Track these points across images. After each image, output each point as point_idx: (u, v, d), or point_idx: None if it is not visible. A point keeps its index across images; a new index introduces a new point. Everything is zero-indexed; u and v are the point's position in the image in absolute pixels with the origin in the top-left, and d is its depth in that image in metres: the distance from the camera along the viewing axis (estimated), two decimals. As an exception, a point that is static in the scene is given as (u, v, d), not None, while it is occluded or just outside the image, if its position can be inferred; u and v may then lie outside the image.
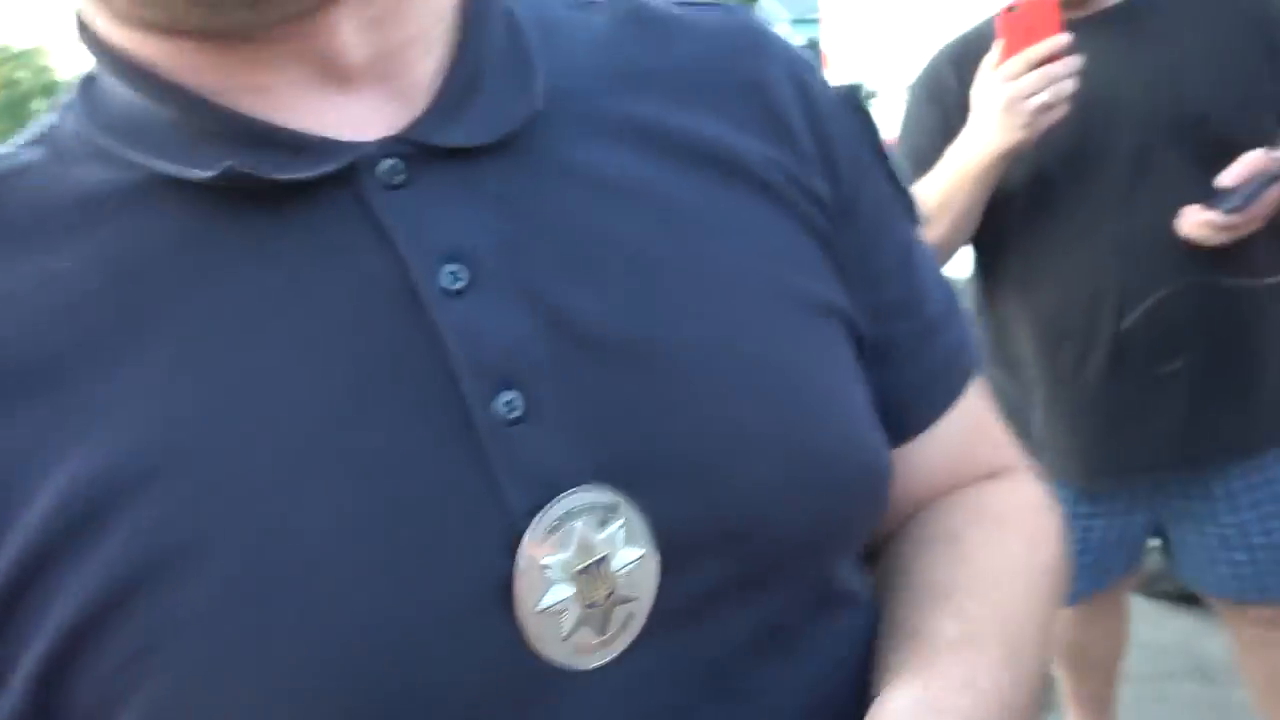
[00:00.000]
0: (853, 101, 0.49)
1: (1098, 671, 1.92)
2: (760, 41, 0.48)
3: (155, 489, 0.33)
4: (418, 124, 0.39)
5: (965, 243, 1.45)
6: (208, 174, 0.36)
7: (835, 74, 3.24)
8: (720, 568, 0.39)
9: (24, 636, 0.33)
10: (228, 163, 0.35)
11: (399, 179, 0.37)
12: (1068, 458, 1.54)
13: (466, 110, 0.39)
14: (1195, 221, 1.29)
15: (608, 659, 0.37)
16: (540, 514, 0.35)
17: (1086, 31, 1.34)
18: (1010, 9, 1.24)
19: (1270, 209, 1.29)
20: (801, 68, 0.48)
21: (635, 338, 0.38)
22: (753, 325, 0.41)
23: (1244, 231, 1.30)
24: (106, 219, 0.37)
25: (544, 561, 0.35)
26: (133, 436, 0.34)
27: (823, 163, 0.46)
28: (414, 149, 0.38)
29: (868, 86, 3.09)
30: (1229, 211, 1.26)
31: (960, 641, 0.41)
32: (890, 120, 2.89)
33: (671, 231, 0.41)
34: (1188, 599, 2.38)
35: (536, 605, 0.35)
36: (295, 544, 0.33)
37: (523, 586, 0.35)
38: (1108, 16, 1.37)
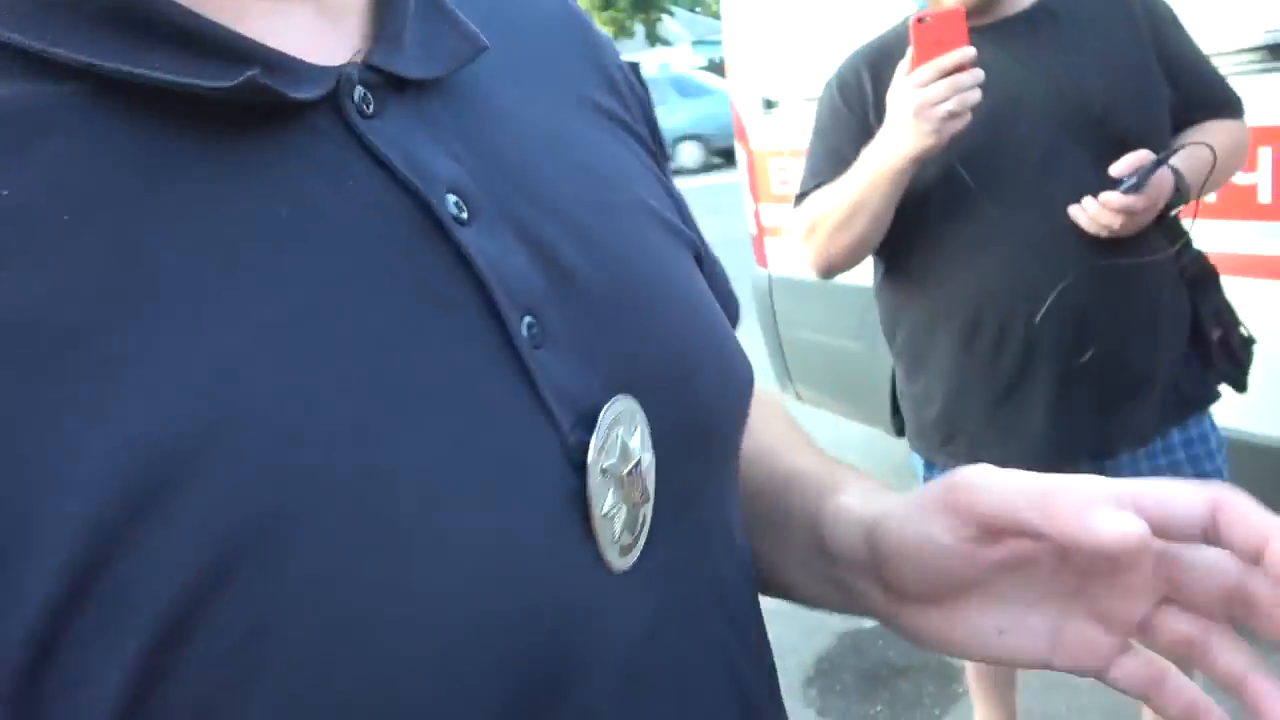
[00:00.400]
0: (638, 72, 0.54)
1: None
2: (586, 18, 0.54)
3: (227, 449, 0.30)
4: (374, 52, 0.37)
5: (879, 240, 1.49)
6: (225, 84, 0.31)
7: (737, 89, 3.29)
8: (691, 467, 0.43)
9: (107, 631, 0.28)
10: (249, 72, 0.32)
11: (370, 108, 0.36)
12: (981, 447, 1.59)
13: (407, 43, 0.38)
14: (1098, 202, 1.37)
15: (634, 560, 0.39)
16: (597, 425, 0.37)
17: (991, 37, 1.42)
18: (920, 20, 1.30)
19: (1161, 198, 1.39)
20: (613, 47, 0.54)
21: (601, 272, 0.41)
22: (666, 257, 0.46)
23: (1142, 220, 1.38)
24: (42, 138, 0.30)
25: (603, 467, 0.37)
26: (182, 392, 0.30)
27: (644, 119, 0.52)
28: (378, 77, 0.36)
29: (770, 98, 3.14)
30: (1127, 191, 1.34)
31: (827, 462, 0.54)
32: (789, 130, 2.95)
33: (593, 174, 0.44)
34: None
35: (601, 512, 0.37)
36: (394, 486, 0.32)
37: (593, 495, 0.37)
38: (1010, 24, 1.45)
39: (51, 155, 0.30)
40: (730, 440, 0.47)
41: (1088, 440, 1.55)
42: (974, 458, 1.65)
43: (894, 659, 2.56)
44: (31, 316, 0.29)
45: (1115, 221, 1.37)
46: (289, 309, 0.32)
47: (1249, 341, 1.61)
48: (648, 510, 0.40)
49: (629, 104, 0.51)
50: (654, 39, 20.25)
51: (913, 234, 1.49)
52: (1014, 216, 1.44)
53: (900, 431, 3.01)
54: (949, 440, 1.63)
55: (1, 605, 0.27)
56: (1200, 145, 1.42)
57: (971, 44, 1.29)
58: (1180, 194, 1.42)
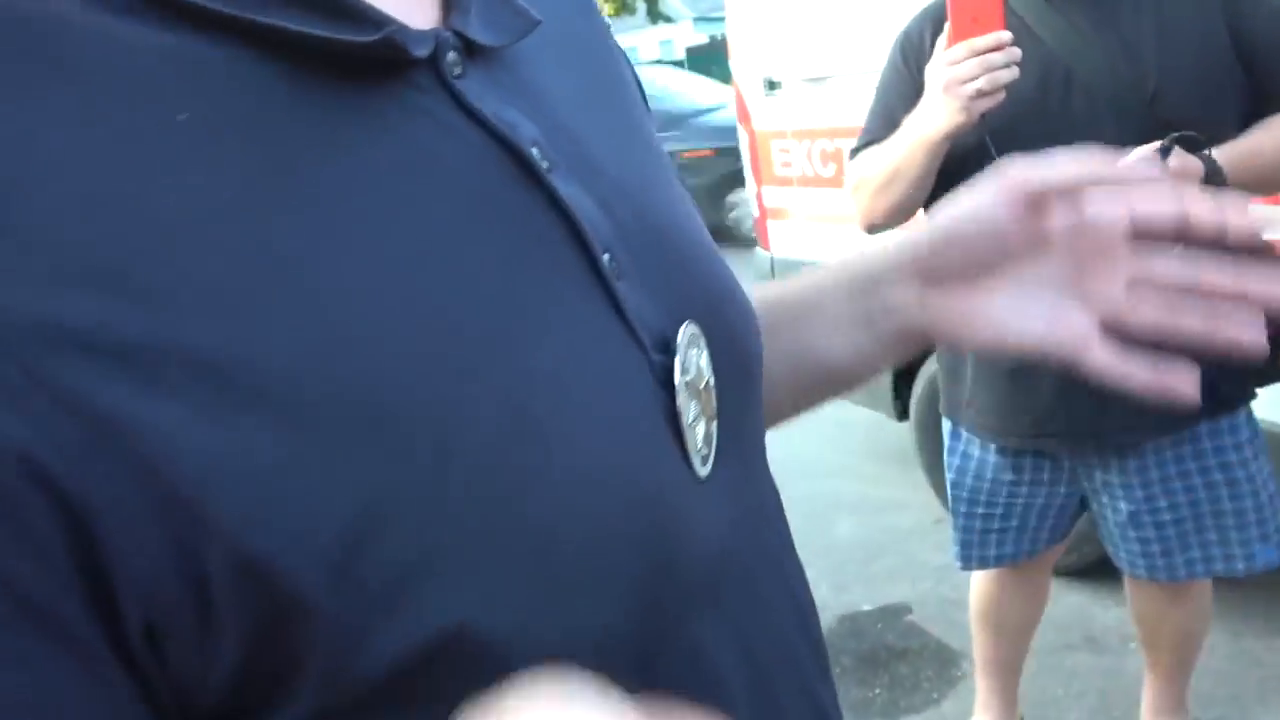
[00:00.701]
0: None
1: (1013, 638, 1.98)
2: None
3: (395, 344, 0.34)
4: (453, 19, 0.41)
5: (920, 204, 1.52)
6: (367, 39, 0.36)
7: (740, 70, 3.27)
8: (741, 390, 0.48)
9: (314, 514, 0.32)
10: (389, 29, 0.36)
11: (458, 70, 0.40)
12: (988, 414, 1.61)
13: (473, 14, 0.42)
14: None
15: (709, 470, 0.44)
16: (678, 345, 0.43)
17: (1057, 4, 1.40)
18: None
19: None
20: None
21: (644, 221, 0.45)
22: (687, 207, 0.52)
23: None
24: (206, 78, 0.34)
25: (685, 381, 0.43)
26: (350, 295, 0.34)
27: (638, 86, 0.57)
28: (459, 42, 0.40)
29: (773, 79, 3.12)
30: None
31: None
32: (792, 111, 2.94)
33: (624, 136, 0.50)
34: (1081, 573, 2.48)
35: (687, 421, 0.42)
36: (532, 385, 0.37)
37: (680, 406, 0.42)
38: None
39: (215, 91, 0.34)
40: (760, 365, 0.52)
41: (1096, 425, 1.55)
42: (992, 425, 1.67)
43: (893, 642, 2.57)
44: (218, 212, 0.32)
45: None
46: (426, 235, 0.36)
47: None
48: (715, 427, 0.45)
49: (630, 74, 0.56)
50: (656, 15, 20.15)
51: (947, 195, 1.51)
52: None
53: (901, 415, 3.01)
54: (970, 404, 1.66)
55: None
56: (1259, 137, 1.35)
57: (1037, 8, 1.27)
58: (1212, 182, 1.36)
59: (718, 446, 0.45)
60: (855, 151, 1.61)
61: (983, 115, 1.34)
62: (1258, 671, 2.22)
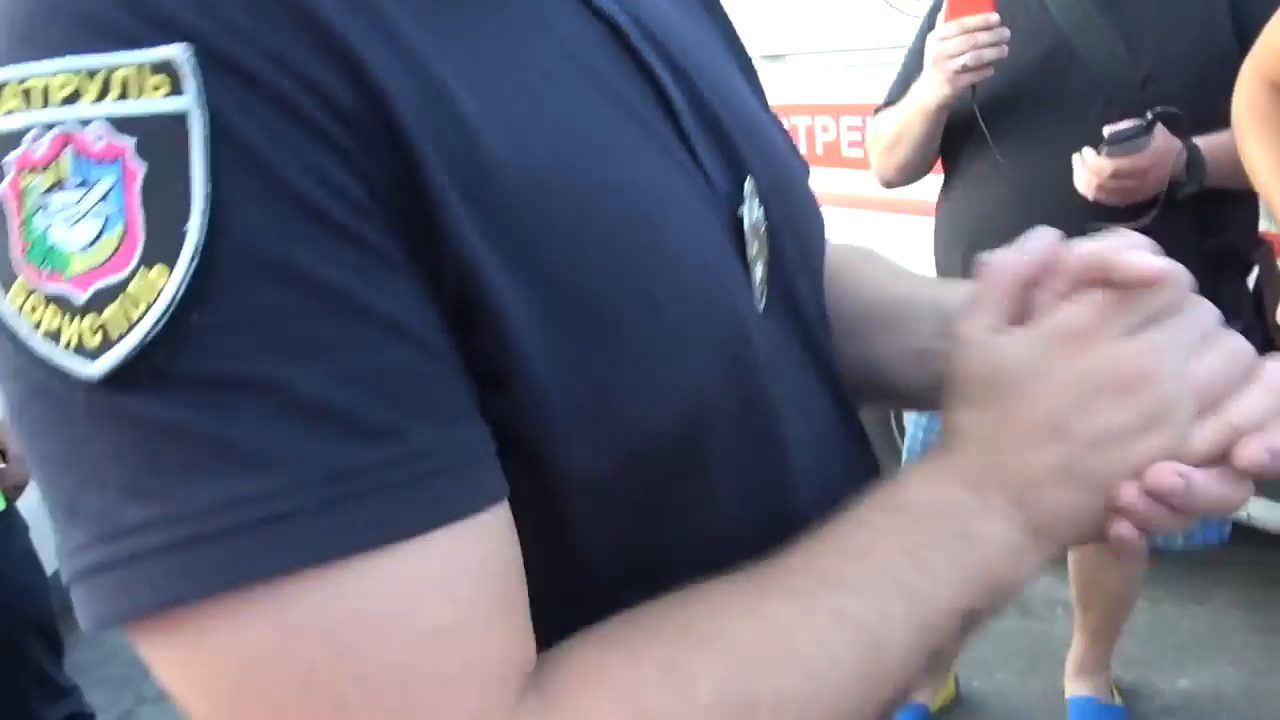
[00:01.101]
0: None
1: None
2: None
3: (548, 164, 0.40)
4: None
5: (927, 167, 1.63)
6: None
7: (745, 39, 3.27)
8: (791, 254, 0.54)
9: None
10: None
11: None
12: None
13: None
14: (1082, 164, 1.41)
15: (764, 304, 0.51)
16: (745, 190, 0.50)
17: None
18: None
19: (1155, 171, 1.38)
20: None
21: (718, 97, 0.52)
22: (760, 103, 0.60)
23: (1130, 189, 1.39)
24: None
25: (751, 220, 0.50)
26: (518, 133, 0.39)
27: None
28: None
29: (775, 52, 3.13)
30: (1110, 154, 1.36)
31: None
32: (795, 85, 2.95)
33: (692, 26, 0.57)
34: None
35: (751, 254, 0.49)
36: (640, 191, 0.44)
37: (747, 238, 0.49)
38: None
39: None
40: (820, 250, 0.59)
41: None
42: None
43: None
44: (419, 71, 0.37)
45: (1082, 182, 1.41)
46: (567, 84, 0.43)
47: None
48: (764, 269, 0.51)
49: None
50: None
51: (951, 158, 1.61)
52: (1017, 165, 1.49)
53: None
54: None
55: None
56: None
57: None
58: (1193, 174, 1.41)
59: (768, 294, 0.51)
60: (877, 111, 1.71)
61: (973, 89, 1.40)
62: (1174, 636, 2.35)
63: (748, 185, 0.50)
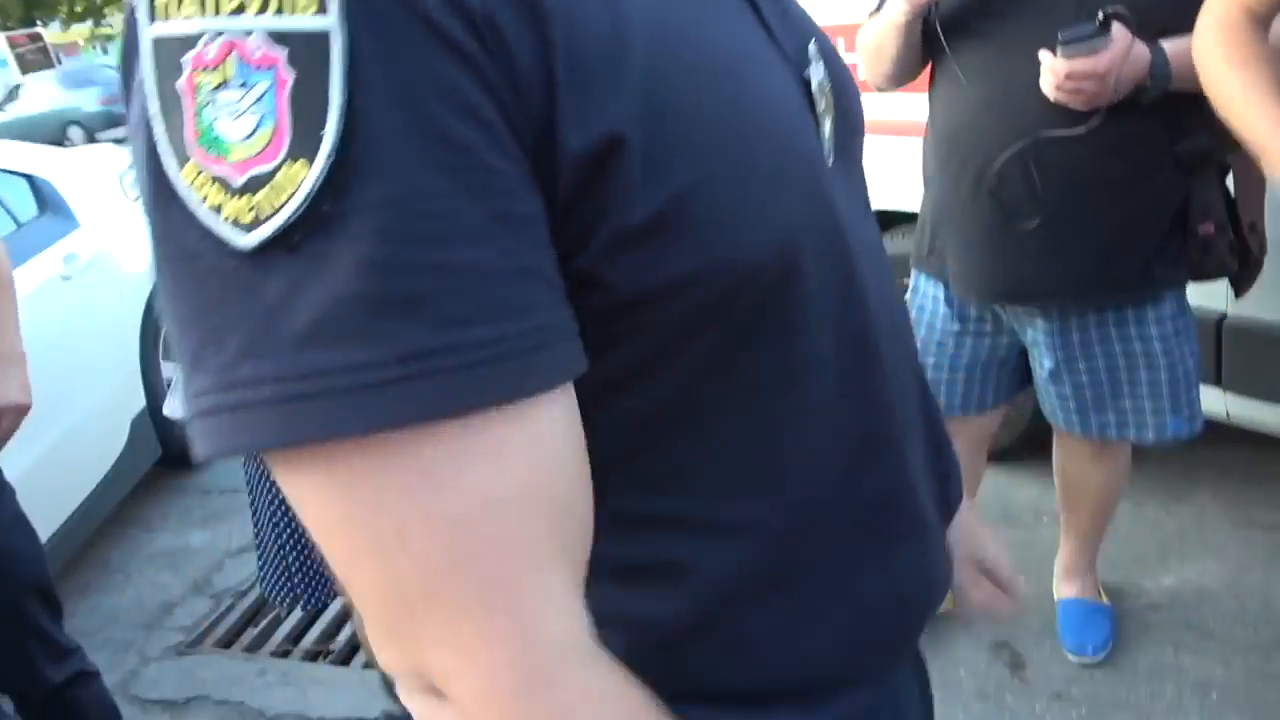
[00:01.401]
0: None
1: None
2: None
3: (664, 56, 0.46)
4: None
5: (912, 75, 1.67)
6: None
7: None
8: (844, 130, 0.60)
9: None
10: None
11: None
12: (948, 267, 1.73)
13: None
14: (1045, 67, 1.41)
15: (833, 161, 0.57)
16: (810, 56, 0.57)
17: None
18: None
19: (1113, 72, 1.37)
20: None
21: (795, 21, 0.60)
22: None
23: (1093, 91, 1.39)
24: None
25: (817, 81, 0.56)
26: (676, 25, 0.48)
27: None
28: None
29: None
30: (1065, 54, 1.36)
31: None
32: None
33: None
34: (999, 456, 2.62)
35: (819, 109, 0.56)
36: (732, 58, 0.51)
37: (815, 96, 0.56)
38: None
39: None
40: (861, 114, 0.66)
41: (1025, 292, 1.64)
42: (940, 274, 1.79)
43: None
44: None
45: (1046, 83, 1.40)
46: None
47: (1261, 245, 1.61)
48: (829, 129, 0.57)
49: None
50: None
51: (933, 68, 1.66)
52: (981, 76, 1.50)
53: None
54: (930, 252, 1.78)
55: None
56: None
57: None
58: (1156, 78, 1.40)
59: (834, 150, 0.57)
60: (870, 15, 1.74)
61: (935, 5, 1.44)
62: (1158, 536, 2.40)
63: (811, 47, 0.57)
